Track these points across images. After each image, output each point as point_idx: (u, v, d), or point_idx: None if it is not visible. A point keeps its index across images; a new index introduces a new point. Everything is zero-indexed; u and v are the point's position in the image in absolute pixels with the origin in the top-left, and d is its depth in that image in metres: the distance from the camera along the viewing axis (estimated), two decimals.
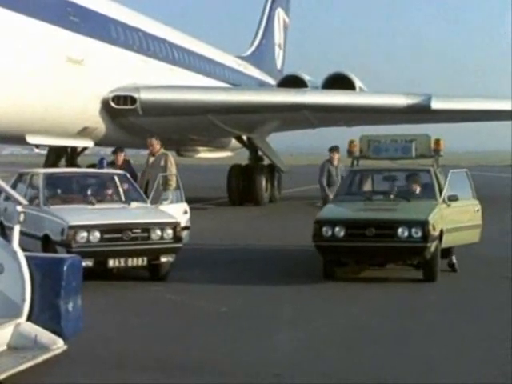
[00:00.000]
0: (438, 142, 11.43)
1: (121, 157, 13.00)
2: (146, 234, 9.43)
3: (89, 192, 10.82)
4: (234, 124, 21.98)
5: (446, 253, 10.29)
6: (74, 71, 18.08)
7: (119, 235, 9.29)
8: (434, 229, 9.44)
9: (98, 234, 9.16)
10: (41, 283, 6.04)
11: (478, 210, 10.98)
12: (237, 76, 31.18)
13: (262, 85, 34.13)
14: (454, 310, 8.20)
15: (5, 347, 5.85)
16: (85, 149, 23.89)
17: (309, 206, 15.58)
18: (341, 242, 9.51)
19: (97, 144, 21.91)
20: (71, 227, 9.09)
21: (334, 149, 13.12)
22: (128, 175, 11.29)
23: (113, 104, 19.91)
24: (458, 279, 9.98)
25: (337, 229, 9.48)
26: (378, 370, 5.89)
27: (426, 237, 9.23)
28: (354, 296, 8.92)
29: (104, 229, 9.27)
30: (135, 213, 10.17)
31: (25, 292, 5.98)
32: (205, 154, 30.65)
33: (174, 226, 9.66)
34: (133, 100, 20.14)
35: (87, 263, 8.69)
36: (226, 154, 32.22)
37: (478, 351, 6.45)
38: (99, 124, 20.05)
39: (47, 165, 23.65)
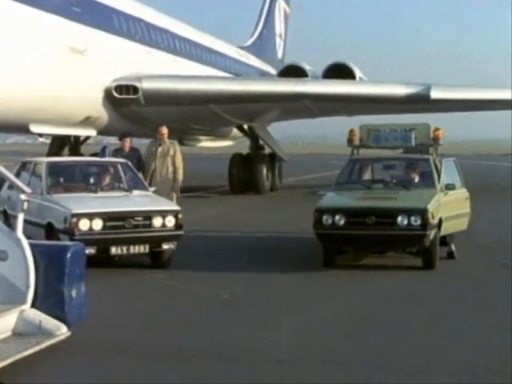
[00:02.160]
0: (437, 131, 11.42)
1: (128, 143, 12.86)
2: (147, 222, 9.45)
3: (91, 180, 10.84)
4: (235, 113, 21.96)
5: (445, 240, 10.32)
6: (77, 61, 18.05)
7: (121, 223, 9.31)
8: (433, 217, 9.44)
9: (100, 222, 9.16)
10: (45, 270, 6.06)
11: (466, 199, 11.10)
12: (238, 66, 31.13)
13: (263, 74, 34.08)
14: (453, 297, 8.21)
15: (9, 333, 5.88)
16: (88, 138, 23.88)
17: (310, 194, 15.58)
18: (341, 231, 9.51)
19: (100, 133, 21.91)
20: (74, 215, 9.09)
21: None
22: (130, 164, 11.25)
23: (115, 93, 19.89)
24: (457, 267, 9.99)
25: (337, 217, 9.48)
26: (377, 357, 5.90)
27: (425, 225, 9.24)
28: (353, 283, 8.93)
29: (106, 217, 9.27)
30: (137, 201, 10.18)
31: (29, 279, 6.00)
32: (206, 143, 30.65)
33: (176, 213, 9.67)
34: (135, 89, 20.12)
35: (90, 251, 8.68)
36: (228, 143, 32.21)
37: (477, 338, 6.45)
38: (102, 113, 20.04)
39: (51, 153, 23.62)
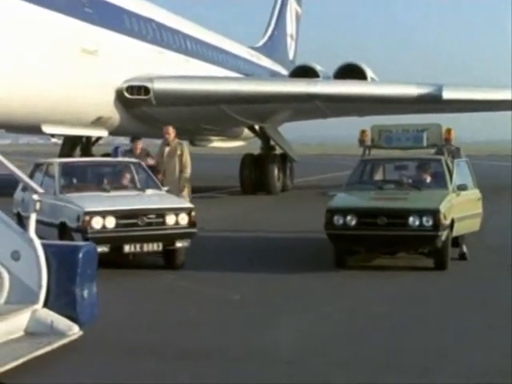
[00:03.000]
0: (449, 131, 11.39)
1: (139, 145, 12.94)
2: (160, 220, 9.41)
3: (104, 180, 10.85)
4: (246, 114, 21.97)
5: (457, 242, 10.28)
6: (89, 62, 18.13)
7: (134, 221, 9.28)
8: (445, 218, 9.41)
9: (113, 220, 9.15)
10: (57, 270, 6.08)
11: (479, 199, 11.04)
12: (249, 66, 31.16)
13: (274, 75, 34.09)
14: (464, 298, 8.17)
15: (22, 333, 5.91)
16: (99, 138, 23.97)
17: (321, 195, 15.56)
18: (352, 231, 9.49)
19: (111, 133, 22.00)
20: (87, 213, 9.08)
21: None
22: (142, 163, 11.28)
23: (127, 94, 19.96)
24: (468, 268, 9.94)
25: (348, 217, 9.46)
26: (388, 357, 5.88)
27: (437, 225, 9.20)
28: (365, 284, 8.91)
29: (119, 214, 9.25)
30: (150, 199, 10.18)
31: (41, 279, 6.02)
32: (218, 144, 30.68)
33: (189, 211, 9.63)
34: (146, 90, 20.18)
35: (103, 249, 8.72)
36: (239, 144, 32.24)
37: (487, 339, 6.42)
38: (113, 114, 20.12)
39: (62, 154, 23.73)
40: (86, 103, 18.59)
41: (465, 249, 10.43)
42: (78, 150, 23.52)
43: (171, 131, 12.41)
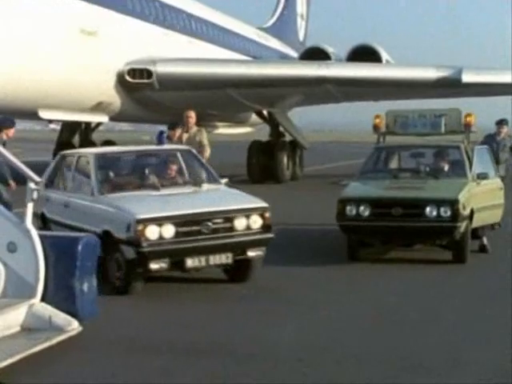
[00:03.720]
0: (469, 116, 11.34)
1: (177, 133, 11.74)
2: (228, 225, 7.99)
3: (149, 174, 9.25)
4: (254, 98, 21.95)
5: (476, 233, 10.25)
6: (88, 43, 18.12)
7: (197, 228, 7.81)
8: (464, 208, 9.38)
9: (172, 228, 7.67)
10: (55, 263, 6.10)
11: (500, 189, 10.98)
12: (257, 48, 31.09)
13: (283, 57, 34.01)
14: (484, 293, 8.16)
15: (18, 328, 5.93)
16: (99, 124, 24.00)
17: (333, 184, 15.52)
18: (366, 222, 9.48)
19: (112, 119, 22.02)
20: (140, 221, 7.59)
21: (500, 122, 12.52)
22: (194, 151, 9.93)
23: (128, 78, 19.96)
24: (489, 261, 9.92)
25: (361, 208, 9.45)
26: (401, 353, 5.89)
27: (455, 216, 9.18)
28: (379, 278, 8.90)
29: (179, 221, 7.76)
30: (212, 197, 8.67)
31: (39, 272, 6.04)
32: (224, 130, 30.69)
33: (263, 211, 8.26)
34: (149, 73, 20.17)
35: (161, 265, 7.63)
36: (246, 130, 32.24)
37: (505, 336, 6.42)
38: (114, 98, 20.12)
39: (60, 141, 23.85)
40: (85, 87, 18.60)
41: (485, 241, 10.41)
42: (76, 137, 23.59)
43: (193, 115, 11.72)
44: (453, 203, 9.23)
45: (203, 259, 7.83)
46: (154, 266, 7.62)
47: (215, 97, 21.37)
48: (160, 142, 10.97)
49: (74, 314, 6.02)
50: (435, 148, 11.36)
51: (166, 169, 9.31)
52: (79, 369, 5.57)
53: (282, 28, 38.37)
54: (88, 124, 23.48)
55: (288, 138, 24.48)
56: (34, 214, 6.88)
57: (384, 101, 24.70)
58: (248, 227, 8.08)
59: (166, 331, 6.55)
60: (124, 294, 7.79)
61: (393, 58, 30.27)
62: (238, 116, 27.40)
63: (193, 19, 24.39)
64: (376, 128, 11.69)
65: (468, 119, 11.30)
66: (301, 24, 41.65)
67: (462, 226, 9.31)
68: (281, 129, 24.31)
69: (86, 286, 6.16)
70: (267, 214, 8.27)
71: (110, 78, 19.64)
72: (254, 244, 8.12)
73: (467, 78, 21.09)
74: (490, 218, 10.56)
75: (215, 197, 8.69)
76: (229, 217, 8.00)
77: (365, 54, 28.21)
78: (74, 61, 17.81)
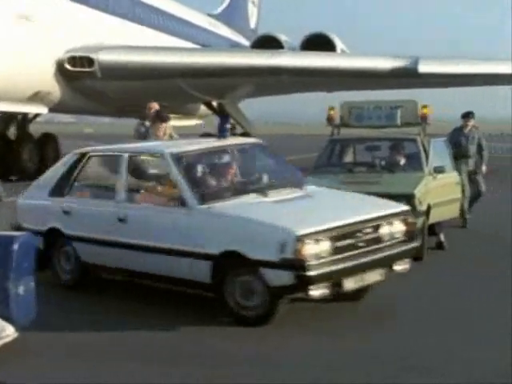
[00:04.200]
0: (425, 108, 11.43)
1: (163, 127, 10.97)
2: (375, 235, 7.08)
3: (253, 176, 8.10)
4: (203, 89, 21.87)
5: (433, 230, 10.38)
6: (24, 28, 17.81)
7: (352, 241, 6.86)
8: (421, 203, 9.48)
9: (327, 244, 6.63)
10: None
11: (457, 183, 11.14)
12: (207, 36, 31.02)
13: (234, 46, 34.00)
14: (442, 293, 8.23)
15: None
16: (37, 115, 23.60)
17: None
18: None
19: (52, 110, 21.70)
20: (300, 238, 6.46)
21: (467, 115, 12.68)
22: (266, 145, 8.79)
23: (68, 66, 19.70)
24: (446, 258, 10.04)
25: None
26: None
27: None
28: None
29: (336, 234, 6.72)
30: (346, 203, 7.72)
31: None
32: (172, 122, 30.48)
33: (405, 215, 7.42)
34: (90, 61, 19.94)
35: (323, 291, 6.58)
36: (195, 122, 32.12)
37: (462, 332, 6.52)
38: (53, 88, 19.84)
39: None
40: (21, 76, 18.27)
41: (442, 237, 10.54)
42: (12, 129, 23.14)
43: (156, 106, 11.65)
44: (409, 198, 9.30)
45: (359, 278, 6.91)
46: (314, 292, 6.52)
47: (162, 87, 21.21)
48: (223, 134, 9.96)
49: (8, 319, 5.91)
50: (391, 141, 11.45)
51: (249, 168, 8.24)
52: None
53: (233, 15, 38.30)
54: (25, 115, 23.08)
55: (239, 130, 24.42)
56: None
57: (338, 92, 24.82)
58: (392, 236, 7.22)
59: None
60: (262, 325, 6.76)
61: (349, 47, 30.50)
62: (186, 107, 27.30)
63: (138, 4, 24.20)
64: (330, 120, 11.71)
65: (424, 111, 11.39)
66: (252, 11, 41.67)
67: (419, 222, 9.40)
68: (231, 121, 24.27)
69: (21, 289, 6.06)
70: (411, 219, 7.48)
71: (48, 66, 19.36)
72: (399, 256, 7.24)
73: (424, 68, 21.24)
74: (447, 213, 10.70)
75: (345, 202, 7.77)
76: (376, 225, 7.09)
77: (319, 43, 28.38)
78: (9, 47, 17.49)
